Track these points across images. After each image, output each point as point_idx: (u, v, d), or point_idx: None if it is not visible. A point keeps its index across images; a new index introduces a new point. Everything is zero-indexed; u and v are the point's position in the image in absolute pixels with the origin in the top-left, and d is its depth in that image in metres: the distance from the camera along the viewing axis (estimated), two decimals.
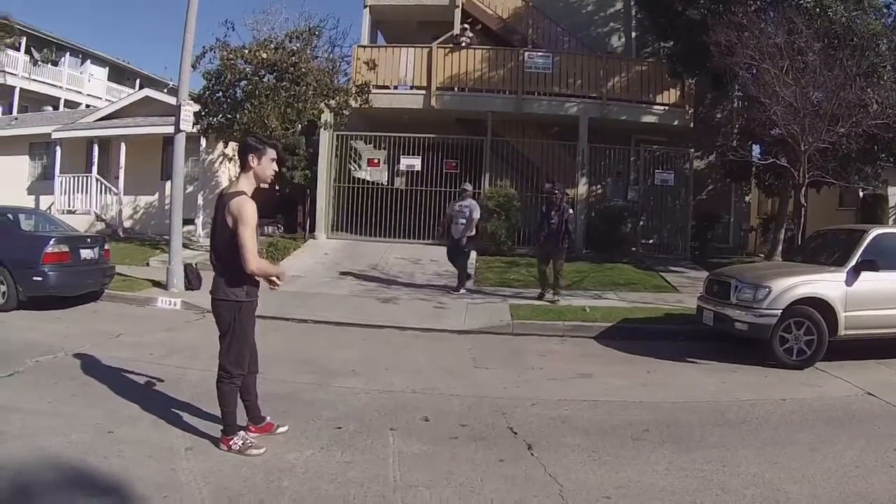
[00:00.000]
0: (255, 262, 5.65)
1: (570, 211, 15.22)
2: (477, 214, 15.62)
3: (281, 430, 6.41)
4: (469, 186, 16.37)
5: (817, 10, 15.95)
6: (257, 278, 5.92)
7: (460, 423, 6.96)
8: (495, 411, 7.38)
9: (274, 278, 6.06)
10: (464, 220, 15.33)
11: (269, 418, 6.40)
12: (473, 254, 19.50)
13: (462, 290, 15.33)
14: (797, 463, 5.93)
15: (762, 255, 20.67)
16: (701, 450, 6.23)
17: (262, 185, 6.04)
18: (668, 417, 7.25)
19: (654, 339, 11.50)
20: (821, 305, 9.85)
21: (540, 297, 14.56)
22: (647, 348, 10.69)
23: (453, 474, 5.60)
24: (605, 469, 5.75)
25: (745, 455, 6.08)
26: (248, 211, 5.62)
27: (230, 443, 5.90)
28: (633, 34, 24.90)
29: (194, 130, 17.90)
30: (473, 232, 15.64)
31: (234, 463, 5.69)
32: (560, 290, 14.61)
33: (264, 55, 18.68)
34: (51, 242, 12.93)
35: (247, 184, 5.89)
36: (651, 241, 22.42)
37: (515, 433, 6.67)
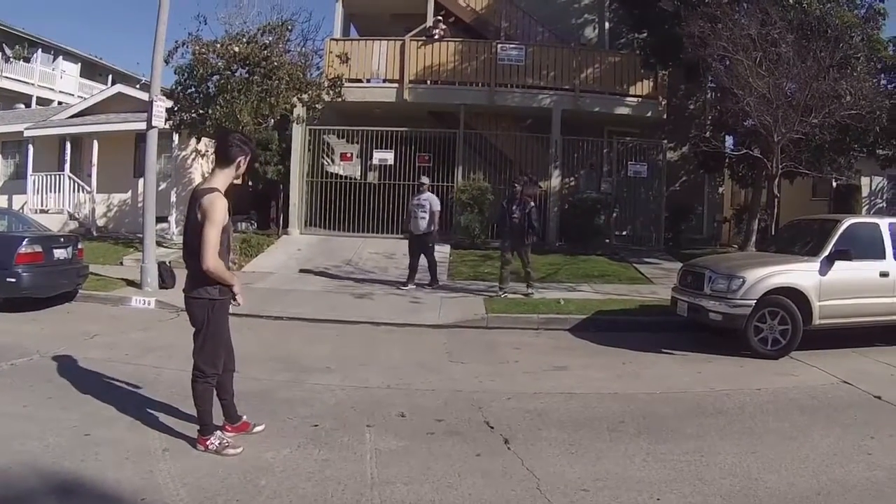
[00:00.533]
0: (213, 260, 5.56)
1: (533, 204, 14.71)
2: (437, 207, 15.49)
3: (257, 428, 6.35)
4: (426, 180, 16.26)
5: (791, 1, 15.98)
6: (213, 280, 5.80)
7: (436, 418, 6.96)
8: (471, 405, 7.38)
9: (233, 291, 5.95)
10: (424, 215, 15.25)
11: (245, 417, 6.34)
12: (447, 248, 19.57)
13: (438, 283, 15.26)
14: (774, 452, 5.93)
15: (736, 246, 20.75)
16: (677, 441, 6.22)
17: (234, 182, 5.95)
18: (644, 409, 7.25)
19: (628, 330, 11.51)
20: (795, 295, 9.90)
21: (496, 295, 14.23)
22: (622, 340, 10.70)
23: (430, 470, 5.59)
24: (583, 462, 5.75)
25: (722, 445, 6.09)
26: (218, 208, 5.56)
27: (207, 443, 5.85)
28: (607, 25, 24.91)
29: (167, 126, 17.67)
30: (436, 227, 15.49)
31: (210, 463, 5.66)
32: (533, 283, 14.50)
33: (236, 49, 18.52)
34: (24, 243, 12.69)
35: (222, 180, 5.82)
36: (625, 233, 22.54)
37: (492, 427, 6.67)
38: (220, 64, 18.63)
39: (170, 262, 15.53)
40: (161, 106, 15.45)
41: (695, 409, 7.24)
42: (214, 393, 6.02)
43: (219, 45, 18.67)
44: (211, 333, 5.86)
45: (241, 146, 5.86)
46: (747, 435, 6.41)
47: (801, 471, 5.56)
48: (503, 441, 6.28)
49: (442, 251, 19.11)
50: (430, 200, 15.44)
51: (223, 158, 5.85)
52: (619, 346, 10.36)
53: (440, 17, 23.93)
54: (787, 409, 7.30)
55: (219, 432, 5.98)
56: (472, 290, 15.10)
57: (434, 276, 15.44)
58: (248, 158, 5.96)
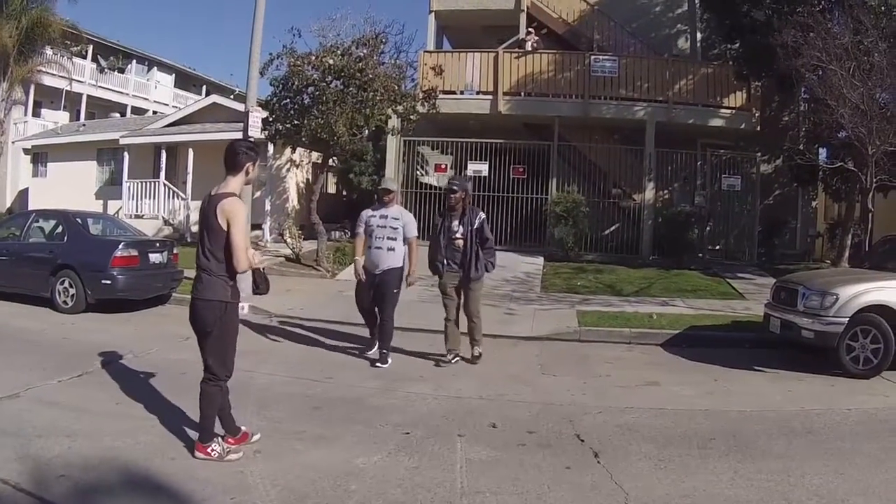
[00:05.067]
0: (245, 262, 5.83)
1: (483, 215, 10.30)
2: (413, 232, 10.24)
3: (255, 437, 6.38)
4: (393, 184, 10.77)
5: (883, 8, 15.67)
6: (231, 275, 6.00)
7: (527, 429, 6.98)
8: (562, 418, 7.40)
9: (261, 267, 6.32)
10: (394, 239, 9.97)
11: (244, 427, 6.37)
12: (540, 259, 19.35)
13: (387, 363, 9.79)
14: (862, 474, 5.90)
15: (829, 262, 20.42)
16: (766, 460, 6.21)
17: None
18: (733, 426, 7.22)
19: (720, 346, 11.40)
20: (888, 313, 9.67)
21: (441, 363, 10.06)
22: (714, 356, 10.61)
23: (520, 481, 5.63)
24: (671, 478, 5.76)
25: (810, 466, 6.05)
26: (241, 212, 5.79)
27: (208, 450, 5.89)
28: (699, 36, 24.84)
29: (262, 136, 18.13)
30: (411, 265, 10.23)
31: (302, 466, 5.82)
32: (480, 342, 10.34)
33: (331, 61, 18.81)
34: (120, 246, 13.41)
35: (237, 185, 6.06)
36: (718, 248, 22.25)
37: (582, 441, 6.67)
38: (315, 76, 18.92)
39: (264, 269, 15.96)
40: (257, 116, 16.03)
41: (784, 428, 7.18)
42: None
43: (314, 57, 18.97)
44: (223, 337, 6.00)
45: (247, 153, 6.11)
46: (836, 456, 6.35)
47: (890, 494, 5.53)
48: (593, 455, 6.28)
49: (535, 262, 19.30)
50: (405, 219, 10.18)
51: (232, 166, 6.07)
52: (711, 362, 10.28)
53: (532, 29, 24.07)
54: (877, 431, 7.20)
55: (219, 439, 6.03)
56: (566, 302, 14.99)
57: (387, 345, 10.01)
58: (256, 164, 6.20)
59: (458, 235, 10.06)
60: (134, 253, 13.43)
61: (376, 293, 10.09)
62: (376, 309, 10.19)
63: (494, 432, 6.93)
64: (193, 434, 6.29)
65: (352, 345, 10.90)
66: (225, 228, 5.76)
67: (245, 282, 13.62)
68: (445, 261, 10.12)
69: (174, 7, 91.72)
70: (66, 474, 5.44)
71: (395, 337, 10.20)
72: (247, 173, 6.10)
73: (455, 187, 10.13)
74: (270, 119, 19.15)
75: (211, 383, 5.97)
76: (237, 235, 5.72)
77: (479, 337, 10.35)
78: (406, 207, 21.04)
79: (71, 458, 5.74)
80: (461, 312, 10.33)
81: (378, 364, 9.71)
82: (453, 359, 10.11)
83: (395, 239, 9.92)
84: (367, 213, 10.33)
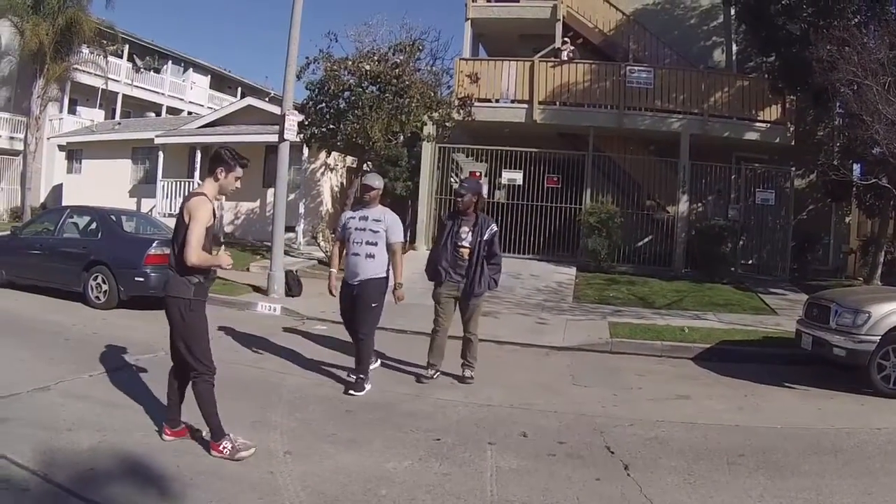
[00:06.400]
0: (195, 255, 5.80)
1: (495, 228, 9.44)
2: (399, 237, 8.95)
3: (246, 450, 6.08)
4: (378, 181, 9.10)
5: None
6: (198, 273, 6.05)
7: (558, 440, 7.00)
8: (593, 430, 7.41)
9: (222, 267, 6.24)
10: (374, 244, 8.71)
11: (183, 424, 6.39)
12: (573, 270, 19.38)
13: (363, 390, 8.53)
14: (891, 494, 5.91)
15: (861, 279, 20.25)
16: (795, 477, 6.22)
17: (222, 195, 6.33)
18: (763, 443, 7.22)
19: (751, 361, 11.36)
20: None
21: (422, 379, 9.30)
22: (745, 371, 10.59)
23: (550, 491, 5.65)
24: (700, 493, 5.77)
25: (839, 484, 6.06)
26: (203, 210, 5.88)
27: (220, 447, 5.96)
28: (735, 48, 24.73)
29: (298, 139, 18.37)
30: (396, 276, 8.96)
31: (332, 469, 5.87)
32: (473, 363, 9.52)
33: (367, 67, 19.06)
34: (154, 244, 13.62)
35: (210, 189, 6.13)
36: (750, 262, 22.12)
37: (612, 452, 6.69)
38: (351, 80, 19.15)
39: (297, 271, 16.13)
40: (293, 120, 16.29)
41: (814, 446, 7.19)
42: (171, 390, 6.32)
43: (350, 63, 19.26)
44: (191, 333, 6.08)
45: (225, 159, 6.13)
46: (865, 475, 6.36)
47: None
48: (623, 467, 6.29)
49: (568, 272, 19.36)
50: (388, 221, 8.82)
51: (210, 169, 6.20)
52: (742, 378, 10.24)
53: (568, 39, 24.12)
54: None
55: (231, 435, 6.06)
56: (598, 312, 14.99)
57: (364, 368, 8.75)
58: (229, 171, 6.15)
59: (464, 244, 9.24)
60: (167, 251, 13.59)
61: (353, 307, 8.85)
62: (356, 326, 8.91)
63: (525, 441, 6.96)
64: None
65: (382, 348, 10.69)
66: (186, 224, 5.89)
67: (279, 284, 13.67)
68: (448, 268, 9.30)
69: (210, 10, 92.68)
70: (95, 468, 5.54)
71: (419, 343, 10.06)
72: (216, 178, 6.14)
73: (464, 190, 9.40)
74: (306, 122, 19.42)
75: (198, 380, 6.07)
76: (192, 228, 5.80)
77: (472, 358, 9.50)
78: (439, 214, 21.29)
79: (100, 453, 5.86)
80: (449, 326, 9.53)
81: (352, 392, 8.44)
82: (434, 374, 9.35)
83: (375, 244, 8.69)
84: (346, 213, 9.37)
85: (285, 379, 8.85)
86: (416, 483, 5.70)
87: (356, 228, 8.76)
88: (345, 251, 9.07)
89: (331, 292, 9.28)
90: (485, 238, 9.17)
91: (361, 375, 8.60)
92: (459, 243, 9.24)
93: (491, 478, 5.92)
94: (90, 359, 9.19)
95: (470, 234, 9.21)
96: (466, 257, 9.21)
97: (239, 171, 6.23)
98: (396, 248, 8.80)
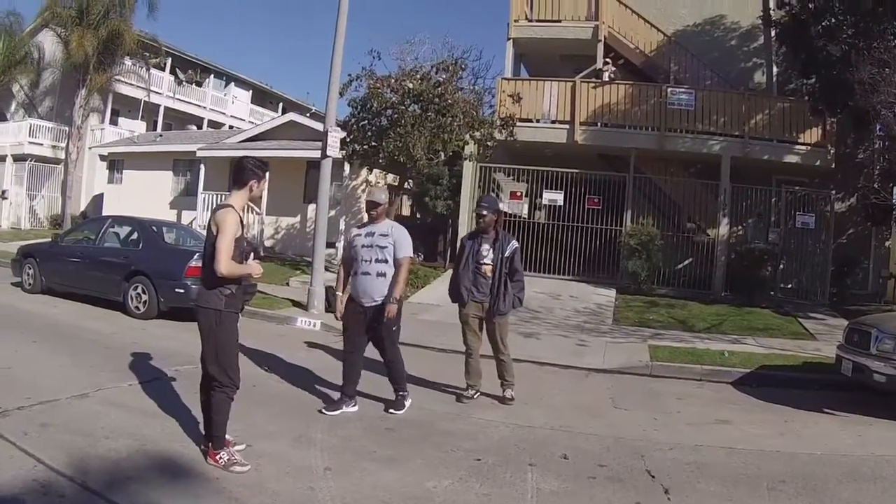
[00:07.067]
0: (225, 265, 5.84)
1: (516, 245, 9.38)
2: (407, 252, 8.45)
3: (238, 447, 6.34)
4: (383, 195, 8.68)
5: None
6: (230, 284, 6.10)
7: (598, 462, 7.00)
8: (633, 453, 7.41)
9: (251, 273, 6.28)
10: (384, 261, 8.28)
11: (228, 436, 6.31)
12: (612, 292, 19.39)
13: (404, 408, 8.52)
14: None
15: None
16: None
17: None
18: (803, 469, 7.20)
19: (791, 387, 11.32)
20: None
21: (462, 399, 9.34)
22: (785, 397, 10.55)
23: None
24: None
25: None
26: (230, 221, 5.93)
27: (217, 457, 6.00)
28: (775, 70, 24.70)
29: (340, 156, 18.55)
30: (396, 289, 8.28)
31: (372, 486, 5.89)
32: (511, 381, 9.46)
33: (410, 85, 19.29)
34: (195, 256, 13.67)
35: (239, 200, 6.22)
36: (789, 286, 21.97)
37: (653, 476, 6.67)
38: (393, 98, 19.37)
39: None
40: (336, 136, 16.46)
41: (853, 473, 7.17)
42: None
43: (393, 80, 19.48)
44: (220, 345, 6.11)
45: (254, 171, 6.23)
46: None
47: None
48: (663, 491, 6.28)
49: (608, 294, 19.41)
50: (396, 235, 8.41)
51: (237, 181, 6.27)
52: (781, 403, 10.21)
53: (609, 59, 24.21)
54: None
55: (229, 448, 6.12)
56: (638, 335, 15.03)
57: (403, 385, 8.70)
58: (261, 182, 6.32)
59: (486, 261, 9.16)
60: None
61: (372, 332, 8.43)
62: (379, 351, 8.63)
63: (565, 463, 6.96)
64: (267, 447, 6.59)
65: (423, 366, 10.98)
66: (215, 236, 5.96)
67: (319, 300, 13.80)
68: (471, 288, 9.22)
69: (253, 24, 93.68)
70: (132, 476, 5.64)
71: (458, 361, 9.92)
72: (250, 190, 6.27)
73: (485, 210, 9.23)
74: (348, 139, 19.59)
75: (217, 390, 6.11)
76: (220, 240, 5.87)
77: (510, 377, 9.41)
78: None
79: (139, 462, 5.95)
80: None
81: (392, 410, 8.38)
82: (475, 394, 9.38)
83: (385, 261, 8.27)
84: (352, 231, 8.80)
85: (325, 395, 8.90)
86: (456, 502, 5.73)
87: (363, 246, 8.36)
88: (351, 271, 8.55)
89: (336, 317, 8.82)
90: (506, 255, 9.11)
91: (401, 393, 8.55)
92: (481, 261, 9.16)
93: (531, 499, 5.92)
94: (129, 368, 9.45)
95: (491, 251, 9.15)
96: (489, 275, 9.12)
97: (266, 179, 6.43)
98: (403, 263, 8.34)
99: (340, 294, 8.71)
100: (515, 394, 9.45)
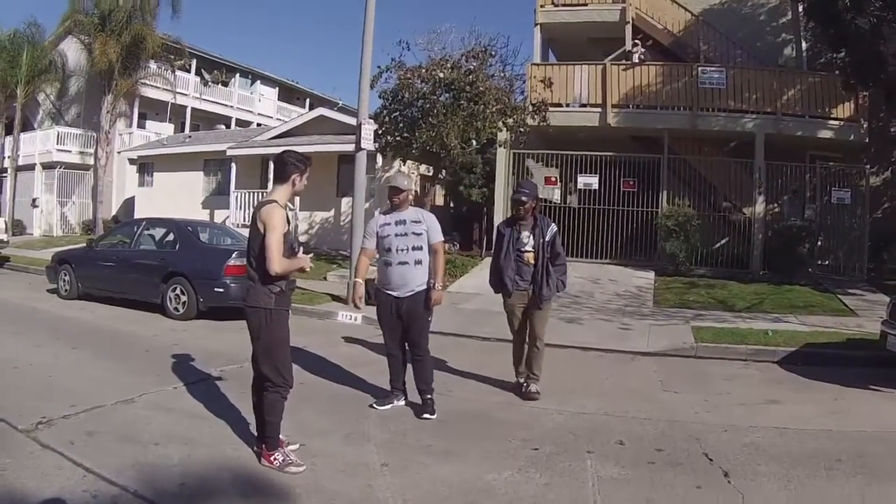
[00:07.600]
0: (277, 263, 5.83)
1: (555, 227, 9.16)
2: (440, 235, 8.36)
3: (292, 446, 6.31)
4: (406, 182, 8.46)
5: None
6: (279, 281, 6.06)
7: (655, 447, 6.96)
8: (689, 436, 7.35)
9: (302, 266, 6.20)
10: (420, 248, 8.10)
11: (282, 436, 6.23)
12: (651, 274, 19.47)
13: (435, 413, 7.94)
14: None
15: None
16: (894, 482, 6.23)
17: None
18: (857, 447, 7.14)
19: (836, 364, 11.23)
20: None
21: (522, 390, 9.06)
22: (831, 374, 10.48)
23: (653, 501, 5.64)
24: (802, 500, 5.78)
25: None
26: (276, 217, 5.90)
27: (272, 458, 5.96)
28: (805, 45, 24.64)
29: (373, 148, 18.48)
30: (438, 278, 8.22)
31: (431, 481, 5.84)
32: (538, 375, 9.07)
33: (441, 74, 19.35)
34: (234, 255, 13.83)
35: (282, 194, 6.21)
36: (827, 262, 21.91)
37: (711, 460, 6.62)
38: (425, 88, 19.46)
39: (375, 280, 16.46)
40: (369, 129, 16.47)
41: None
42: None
43: (423, 70, 19.55)
44: (271, 344, 6.09)
45: (296, 164, 6.25)
46: None
47: None
48: (723, 474, 6.22)
49: (647, 277, 19.59)
50: (428, 221, 8.27)
51: (280, 175, 6.29)
52: (828, 381, 10.16)
53: (638, 41, 24.24)
54: None
55: (283, 448, 6.08)
56: (680, 317, 15.09)
57: (431, 387, 8.19)
58: (303, 176, 6.32)
59: (527, 248, 8.91)
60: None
61: (405, 324, 8.16)
62: (406, 345, 8.33)
63: (622, 450, 6.91)
64: (320, 445, 6.58)
65: (467, 356, 11.04)
66: (262, 233, 5.92)
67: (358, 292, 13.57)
68: (515, 277, 8.96)
69: (278, 22, 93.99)
70: (185, 483, 5.59)
71: (505, 350, 9.81)
72: (293, 184, 6.28)
73: (524, 196, 8.90)
74: (380, 131, 19.58)
75: (271, 390, 6.05)
76: (270, 238, 5.83)
77: (538, 370, 9.05)
78: None
79: (190, 467, 5.89)
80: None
81: (426, 415, 7.86)
82: (531, 386, 9.02)
83: (421, 248, 8.06)
84: (378, 220, 8.42)
85: (374, 390, 8.82)
86: (518, 494, 5.67)
87: (396, 235, 8.07)
88: (381, 261, 8.36)
89: (355, 304, 8.70)
90: (546, 239, 8.88)
91: (429, 396, 8.08)
92: (522, 249, 8.94)
93: (593, 487, 5.87)
94: (172, 370, 9.46)
95: (531, 237, 8.92)
96: (532, 262, 8.90)
97: (307, 173, 6.42)
98: (439, 248, 8.20)
99: (360, 280, 8.57)
100: (564, 379, 9.59)
